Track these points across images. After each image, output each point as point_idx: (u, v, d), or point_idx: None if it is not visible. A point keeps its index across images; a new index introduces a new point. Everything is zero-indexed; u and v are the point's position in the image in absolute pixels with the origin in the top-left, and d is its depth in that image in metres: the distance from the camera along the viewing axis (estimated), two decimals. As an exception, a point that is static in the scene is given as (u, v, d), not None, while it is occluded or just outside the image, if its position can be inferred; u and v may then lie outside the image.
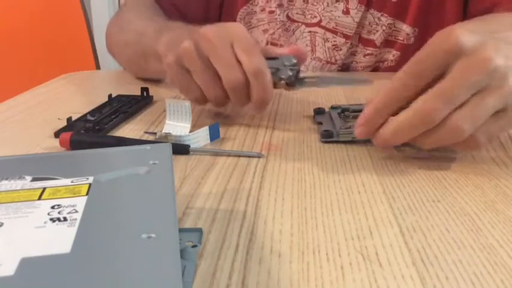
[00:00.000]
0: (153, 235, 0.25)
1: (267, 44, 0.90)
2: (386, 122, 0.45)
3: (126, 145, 0.45)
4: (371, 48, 0.86)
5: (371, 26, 0.85)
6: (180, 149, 0.50)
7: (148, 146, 0.37)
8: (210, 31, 0.54)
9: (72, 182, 0.31)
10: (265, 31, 0.90)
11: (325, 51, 0.87)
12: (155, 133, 0.53)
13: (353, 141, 0.52)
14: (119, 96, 0.67)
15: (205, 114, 0.62)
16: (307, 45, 0.88)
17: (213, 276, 0.30)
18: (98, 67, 1.24)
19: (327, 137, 0.53)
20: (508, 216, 0.37)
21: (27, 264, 0.23)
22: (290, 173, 0.45)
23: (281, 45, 0.89)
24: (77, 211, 0.27)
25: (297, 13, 0.88)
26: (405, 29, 0.84)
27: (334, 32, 0.86)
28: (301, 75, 0.58)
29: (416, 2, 0.83)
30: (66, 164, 0.36)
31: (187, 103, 0.55)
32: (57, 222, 0.26)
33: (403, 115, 0.43)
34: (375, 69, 0.88)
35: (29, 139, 0.54)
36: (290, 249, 0.33)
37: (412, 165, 0.47)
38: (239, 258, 0.32)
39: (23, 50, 1.17)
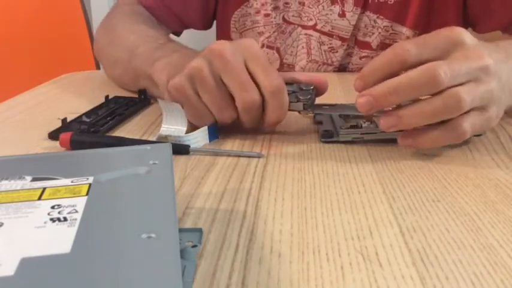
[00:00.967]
0: (153, 235, 0.25)
1: (262, 47, 0.89)
2: (387, 80, 0.46)
3: (126, 145, 0.45)
4: (367, 51, 0.86)
5: (367, 29, 0.85)
6: (180, 149, 0.50)
7: (148, 146, 0.37)
8: (223, 47, 0.50)
9: (72, 182, 0.31)
10: (260, 33, 0.89)
11: (321, 53, 0.87)
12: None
13: (353, 142, 0.52)
14: (116, 98, 0.67)
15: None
16: (303, 47, 0.88)
17: (213, 276, 0.30)
18: (98, 67, 1.24)
19: (327, 137, 0.53)
20: (508, 216, 0.37)
21: (27, 264, 0.23)
22: (290, 173, 0.45)
23: (277, 48, 0.89)
24: (77, 211, 0.27)
25: (293, 15, 0.87)
26: (405, 32, 0.84)
27: (330, 35, 0.86)
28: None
29: (416, 5, 0.82)
30: (66, 164, 0.36)
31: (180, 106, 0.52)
32: (57, 222, 0.26)
33: (406, 74, 0.45)
34: None
35: (29, 139, 0.54)
36: (290, 249, 0.33)
37: (412, 165, 0.47)
38: (239, 258, 0.32)
39: (23, 50, 1.17)
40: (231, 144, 0.52)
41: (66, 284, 0.22)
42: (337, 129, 0.53)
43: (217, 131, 0.53)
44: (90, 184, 0.31)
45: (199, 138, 0.51)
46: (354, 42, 0.86)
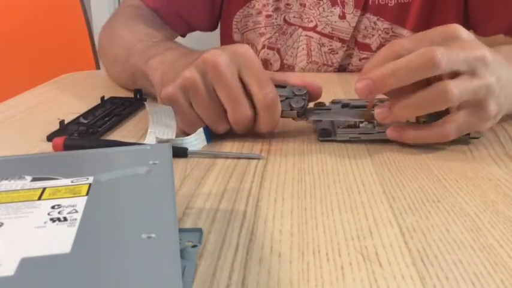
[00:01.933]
0: (153, 235, 0.25)
1: (263, 48, 0.90)
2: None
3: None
4: (367, 52, 0.86)
5: (367, 31, 0.85)
6: (178, 152, 0.49)
7: (148, 146, 0.37)
8: (218, 57, 0.49)
9: (72, 182, 0.31)
10: (261, 34, 0.89)
11: (322, 55, 0.87)
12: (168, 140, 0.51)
13: (351, 141, 0.52)
14: (112, 98, 0.66)
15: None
16: (303, 48, 0.88)
17: (213, 276, 0.30)
18: (98, 67, 1.24)
19: (325, 135, 0.53)
20: (508, 216, 0.37)
21: (27, 264, 0.23)
22: (290, 173, 0.45)
23: (278, 49, 0.89)
24: (77, 211, 0.27)
25: (294, 16, 0.87)
26: (406, 34, 0.83)
27: (330, 37, 0.86)
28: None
29: (417, 7, 0.82)
30: (66, 164, 0.36)
31: (170, 108, 0.51)
32: (57, 222, 0.26)
33: (404, 57, 0.46)
34: None
35: (29, 139, 0.54)
36: (290, 249, 0.33)
37: (412, 165, 0.47)
38: (239, 258, 0.32)
39: (23, 50, 1.17)
40: (231, 145, 0.52)
41: (66, 284, 0.22)
42: (335, 128, 0.53)
43: (211, 135, 0.53)
44: (90, 184, 0.31)
45: (198, 141, 0.51)
46: (354, 44, 0.86)
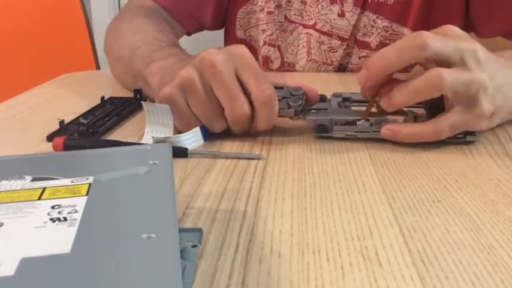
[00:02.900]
0: (153, 235, 0.25)
1: (264, 44, 0.90)
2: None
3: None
4: (366, 51, 0.86)
5: (366, 29, 0.85)
6: (178, 152, 0.49)
7: (148, 146, 0.37)
8: (214, 57, 0.49)
9: (72, 182, 0.31)
10: (263, 31, 0.90)
11: (321, 53, 0.87)
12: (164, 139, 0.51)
13: (347, 138, 0.52)
14: (112, 99, 0.66)
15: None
16: (303, 46, 0.88)
17: (213, 276, 0.30)
18: (98, 67, 1.24)
19: (322, 131, 0.53)
20: (508, 216, 0.37)
21: (27, 264, 0.23)
22: (290, 173, 0.45)
23: (279, 46, 0.89)
24: (77, 211, 0.27)
25: (294, 14, 0.87)
26: (406, 33, 0.83)
27: (329, 35, 0.86)
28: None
29: (417, 5, 0.82)
30: (66, 164, 0.36)
31: (167, 106, 0.51)
32: (57, 222, 0.26)
33: (394, 42, 0.49)
34: None
35: (29, 139, 0.54)
36: (290, 249, 0.33)
37: (412, 165, 0.47)
38: (239, 258, 0.32)
39: (23, 50, 1.17)
40: (231, 145, 0.52)
41: (66, 284, 0.22)
42: (333, 125, 0.53)
43: (208, 134, 0.53)
44: (90, 184, 0.31)
45: (194, 139, 0.51)
46: (354, 42, 0.86)
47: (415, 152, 0.50)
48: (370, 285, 0.29)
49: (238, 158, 0.49)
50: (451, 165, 0.47)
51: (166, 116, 0.52)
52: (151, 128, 0.53)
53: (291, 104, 0.52)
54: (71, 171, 0.33)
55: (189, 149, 0.50)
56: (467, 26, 0.83)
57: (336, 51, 0.86)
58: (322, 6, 0.84)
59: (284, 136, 0.55)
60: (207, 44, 0.67)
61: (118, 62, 0.75)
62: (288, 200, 0.40)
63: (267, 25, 0.89)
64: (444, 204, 0.39)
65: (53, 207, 0.28)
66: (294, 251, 0.33)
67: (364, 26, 0.85)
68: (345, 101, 0.59)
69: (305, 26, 0.87)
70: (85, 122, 0.58)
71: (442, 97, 0.49)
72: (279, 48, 0.90)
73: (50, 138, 0.53)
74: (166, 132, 0.52)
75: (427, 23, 0.82)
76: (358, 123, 0.53)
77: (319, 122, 0.54)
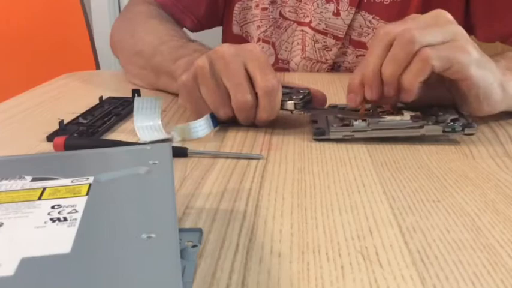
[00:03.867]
0: (153, 235, 0.25)
1: (258, 41, 0.90)
2: None
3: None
4: (362, 50, 0.86)
5: (362, 29, 0.85)
6: (178, 152, 0.49)
7: (148, 146, 0.37)
8: (226, 49, 0.54)
9: (72, 182, 0.31)
10: (258, 27, 0.89)
11: (315, 51, 0.87)
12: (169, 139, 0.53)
13: (344, 139, 0.52)
14: (110, 99, 0.66)
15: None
16: (298, 43, 0.88)
17: (213, 276, 0.30)
18: (98, 67, 1.24)
19: (319, 134, 0.53)
20: (508, 216, 0.37)
21: (27, 264, 0.23)
22: (290, 173, 0.45)
23: (273, 43, 0.89)
24: (77, 211, 0.27)
25: (289, 11, 0.87)
26: None
27: (324, 33, 0.86)
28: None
29: (415, 6, 0.81)
30: (66, 164, 0.36)
31: (157, 100, 0.55)
32: (57, 222, 0.26)
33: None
34: None
35: (29, 139, 0.54)
36: (290, 249, 0.33)
37: (412, 165, 0.47)
38: (239, 258, 0.32)
39: (23, 50, 1.17)
40: (231, 144, 0.52)
41: (66, 284, 0.22)
42: (329, 127, 0.53)
43: (217, 120, 0.55)
44: (90, 184, 0.31)
45: (205, 125, 0.54)
46: (349, 41, 0.86)
47: (415, 152, 0.50)
48: (370, 285, 0.29)
49: (238, 158, 0.49)
50: (451, 165, 0.47)
51: (154, 109, 0.55)
52: (139, 123, 0.55)
53: (293, 97, 0.55)
54: (71, 171, 0.33)
55: (201, 135, 0.53)
56: (467, 28, 0.83)
57: (331, 50, 0.86)
58: (318, 4, 0.84)
59: (284, 136, 0.55)
60: (206, 43, 0.69)
61: (135, 57, 0.75)
62: (288, 200, 0.40)
63: (261, 21, 0.89)
64: (444, 204, 0.39)
65: (53, 207, 0.28)
66: (294, 251, 0.33)
67: (360, 26, 0.84)
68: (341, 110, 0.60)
69: (300, 24, 0.87)
70: (84, 122, 0.58)
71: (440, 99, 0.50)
72: (273, 44, 0.90)
73: (50, 138, 0.53)
74: (154, 127, 0.54)
75: None
76: (354, 123, 0.53)
77: (316, 126, 0.55)
